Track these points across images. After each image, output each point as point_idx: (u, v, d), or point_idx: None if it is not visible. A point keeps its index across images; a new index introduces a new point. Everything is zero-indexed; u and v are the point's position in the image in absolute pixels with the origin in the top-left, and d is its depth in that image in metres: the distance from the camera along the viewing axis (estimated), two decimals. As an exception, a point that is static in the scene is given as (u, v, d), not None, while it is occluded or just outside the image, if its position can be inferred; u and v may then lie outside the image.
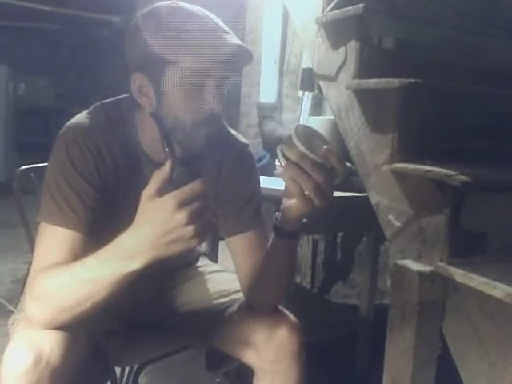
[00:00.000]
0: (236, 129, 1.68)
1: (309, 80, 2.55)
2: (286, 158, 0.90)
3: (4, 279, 3.07)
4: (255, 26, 3.22)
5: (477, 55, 1.46)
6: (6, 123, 6.84)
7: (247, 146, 1.20)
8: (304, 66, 2.63)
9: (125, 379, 1.41)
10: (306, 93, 2.60)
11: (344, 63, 1.34)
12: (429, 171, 1.06)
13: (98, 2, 5.59)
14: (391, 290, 1.16)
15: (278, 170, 0.92)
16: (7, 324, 1.09)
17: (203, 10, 1.00)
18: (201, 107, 0.97)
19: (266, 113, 3.04)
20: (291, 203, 0.96)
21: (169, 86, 0.96)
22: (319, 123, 2.12)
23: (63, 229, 0.95)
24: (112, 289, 0.86)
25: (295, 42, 2.90)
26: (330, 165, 0.89)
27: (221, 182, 1.15)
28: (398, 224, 1.20)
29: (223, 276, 1.34)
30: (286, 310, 1.14)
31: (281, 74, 3.02)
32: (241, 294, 1.19)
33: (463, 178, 0.99)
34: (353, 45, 1.31)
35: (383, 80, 1.19)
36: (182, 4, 1.00)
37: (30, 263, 0.98)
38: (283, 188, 0.95)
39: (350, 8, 1.28)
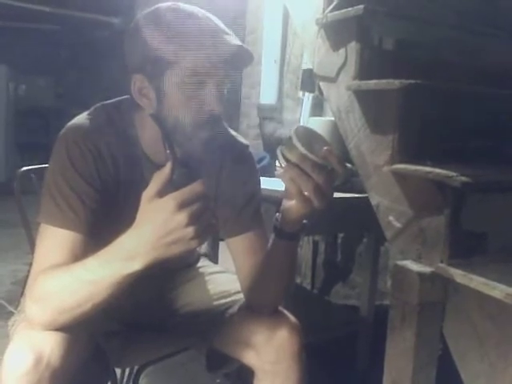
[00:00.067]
0: (236, 130, 1.68)
1: (309, 81, 2.55)
2: (287, 159, 0.90)
3: (4, 280, 3.07)
4: (255, 27, 3.22)
5: (477, 55, 1.46)
6: (6, 123, 6.83)
7: (247, 146, 1.20)
8: (304, 66, 2.63)
9: (125, 380, 1.41)
10: (307, 94, 2.60)
11: (344, 64, 1.34)
12: (429, 172, 1.06)
13: (98, 3, 5.60)
14: (391, 290, 1.16)
15: (278, 170, 0.92)
16: (7, 325, 1.09)
17: (203, 11, 1.00)
18: (201, 108, 0.97)
19: (267, 114, 3.04)
20: (291, 204, 0.96)
21: (169, 87, 0.96)
22: (319, 124, 2.12)
23: (63, 230, 0.95)
24: (112, 290, 0.86)
25: (295, 43, 2.90)
26: (330, 166, 0.89)
27: (221, 183, 1.15)
28: (398, 225, 1.20)
29: (223, 277, 1.34)
30: (286, 311, 1.14)
31: (281, 74, 3.02)
32: (241, 295, 1.19)
33: (463, 179, 0.99)
34: (353, 46, 1.31)
35: (383, 81, 1.19)
36: (182, 5, 1.00)
37: (31, 264, 0.98)
38: (283, 189, 0.96)
39: (350, 9, 1.28)
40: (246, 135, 3.09)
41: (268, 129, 2.98)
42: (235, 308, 1.19)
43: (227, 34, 0.98)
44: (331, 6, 1.35)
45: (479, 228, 1.11)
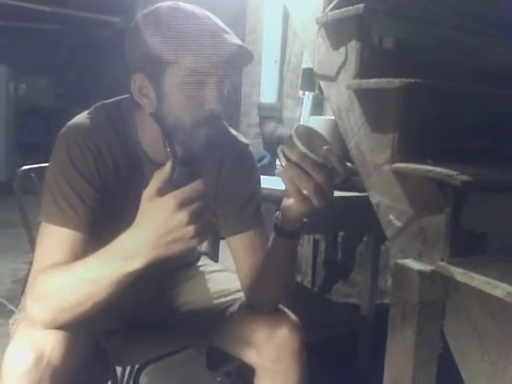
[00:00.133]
0: (236, 129, 1.68)
1: (309, 80, 2.55)
2: (287, 158, 0.90)
3: (4, 279, 3.07)
4: (256, 26, 3.22)
5: (477, 55, 1.46)
6: (6, 123, 6.84)
7: (247, 145, 1.20)
8: (304, 65, 2.63)
9: (126, 379, 1.41)
10: (307, 93, 2.60)
11: (344, 63, 1.34)
12: (429, 171, 1.06)
13: (98, 2, 5.60)
14: (392, 289, 1.16)
15: (278, 169, 0.92)
16: (8, 324, 1.09)
17: (203, 10, 1.00)
18: (201, 107, 0.97)
19: (267, 113, 3.04)
20: (291, 202, 0.96)
21: (169, 86, 0.96)
22: (320, 123, 2.13)
23: (64, 229, 0.96)
24: (112, 289, 0.86)
25: (296, 42, 2.90)
26: (330, 165, 0.89)
27: (221, 182, 1.15)
28: (398, 224, 1.21)
29: (224, 275, 1.34)
30: (286, 310, 1.14)
31: (281, 74, 3.02)
32: (241, 294, 1.19)
33: (464, 177, 0.99)
34: (353, 45, 1.31)
35: (383, 80, 1.19)
36: (182, 5, 1.00)
37: (31, 263, 0.98)
38: (283, 188, 0.96)
39: (350, 8, 1.28)
40: (246, 134, 3.09)
41: (268, 128, 2.98)
42: (235, 306, 1.19)
43: (227, 33, 0.98)
44: (331, 5, 1.36)
45: (479, 227, 1.11)
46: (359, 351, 2.16)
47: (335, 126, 1.62)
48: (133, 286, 0.88)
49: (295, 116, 2.86)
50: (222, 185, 1.15)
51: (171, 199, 0.79)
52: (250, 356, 1.12)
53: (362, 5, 1.24)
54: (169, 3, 1.00)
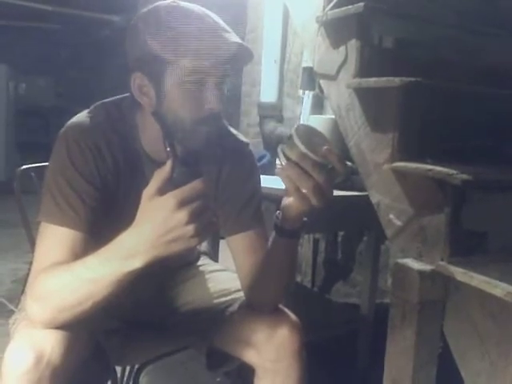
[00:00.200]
0: (236, 128, 1.68)
1: (309, 79, 2.55)
2: (287, 158, 0.90)
3: (4, 279, 3.07)
4: (256, 25, 3.22)
5: (477, 55, 1.46)
6: (6, 123, 6.83)
7: (247, 145, 1.20)
8: (304, 65, 2.63)
9: (125, 379, 1.41)
10: (307, 92, 2.60)
11: (344, 62, 1.34)
12: (429, 170, 1.06)
13: (99, 1, 5.59)
14: (392, 289, 1.16)
15: (278, 168, 0.92)
16: (8, 324, 1.09)
17: (203, 9, 1.00)
18: (201, 106, 0.97)
19: (267, 112, 3.04)
20: (291, 201, 0.96)
21: (169, 85, 0.96)
22: (320, 122, 2.13)
23: (64, 228, 0.95)
24: (112, 288, 0.86)
25: (296, 41, 2.90)
26: (330, 164, 0.89)
27: (221, 182, 1.15)
28: (398, 223, 1.20)
29: (224, 275, 1.34)
30: (286, 309, 1.14)
31: (281, 73, 3.02)
32: (241, 294, 1.19)
33: (464, 177, 0.99)
34: (353, 44, 1.31)
35: (383, 79, 1.19)
36: (182, 3, 1.00)
37: (31, 263, 0.98)
38: (283, 187, 0.95)
39: (350, 7, 1.28)
40: (246, 133, 3.09)
41: (268, 127, 2.98)
42: (235, 306, 1.19)
43: (227, 32, 0.98)
44: (331, 4, 1.36)
45: (479, 227, 1.11)
46: (359, 351, 2.16)
47: (335, 125, 1.62)
48: (133, 285, 0.88)
49: (295, 115, 2.86)
50: (222, 184, 1.15)
51: (171, 198, 0.79)
52: (250, 356, 1.12)
53: (361, 4, 1.24)
54: (168, 2, 1.00)
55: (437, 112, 1.24)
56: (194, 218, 0.79)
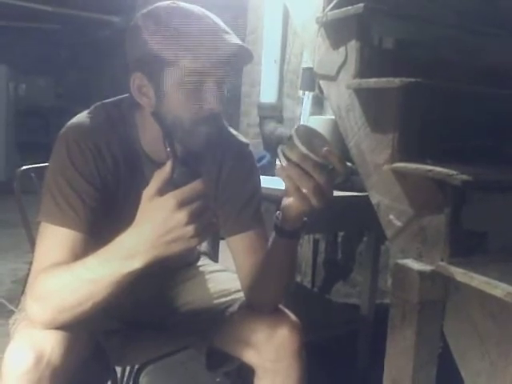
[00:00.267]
0: (236, 128, 1.68)
1: (309, 80, 2.55)
2: (287, 159, 0.90)
3: (4, 279, 3.07)
4: (256, 26, 3.22)
5: (477, 55, 1.46)
6: (6, 123, 6.83)
7: (247, 145, 1.20)
8: (304, 65, 2.63)
9: (125, 379, 1.41)
10: (307, 92, 2.60)
11: (344, 63, 1.34)
12: (429, 171, 1.06)
13: (98, 2, 5.59)
14: (392, 289, 1.16)
15: (278, 168, 0.92)
16: (8, 324, 1.09)
17: (203, 9, 1.00)
18: (201, 107, 0.97)
19: (267, 112, 3.03)
20: (291, 201, 0.96)
21: (168, 85, 0.96)
22: (320, 123, 2.13)
23: (64, 228, 0.96)
24: (112, 288, 0.86)
25: (296, 42, 2.90)
26: (330, 165, 0.89)
27: (221, 182, 1.15)
28: (398, 223, 1.20)
29: (224, 275, 1.34)
30: (286, 310, 1.14)
31: (281, 73, 3.02)
32: (241, 294, 1.19)
33: (464, 177, 0.99)
34: (353, 44, 1.31)
35: (383, 79, 1.19)
36: (182, 4, 1.00)
37: (31, 263, 0.98)
38: (283, 188, 0.95)
39: (350, 8, 1.28)
40: (246, 134, 3.08)
41: (268, 128, 2.98)
42: (235, 306, 1.19)
43: (227, 32, 0.98)
44: (331, 5, 1.36)
45: (479, 227, 1.11)
46: (359, 351, 2.16)
47: (335, 126, 1.62)
48: (133, 285, 0.88)
49: (295, 116, 2.86)
50: (221, 185, 1.15)
51: (171, 199, 0.79)
52: (250, 356, 1.12)
53: (361, 4, 1.24)
54: (168, 2, 1.00)
55: (437, 112, 1.24)
56: (193, 218, 0.79)
